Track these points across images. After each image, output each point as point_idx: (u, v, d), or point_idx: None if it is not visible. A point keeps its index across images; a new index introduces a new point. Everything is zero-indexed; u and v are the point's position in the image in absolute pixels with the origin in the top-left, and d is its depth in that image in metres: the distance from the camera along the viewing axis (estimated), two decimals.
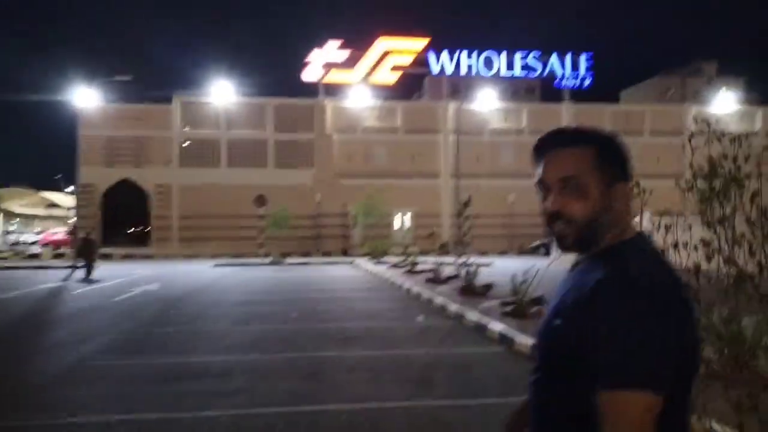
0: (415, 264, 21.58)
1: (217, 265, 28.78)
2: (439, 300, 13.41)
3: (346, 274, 23.62)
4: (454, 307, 12.22)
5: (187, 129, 39.45)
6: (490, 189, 39.20)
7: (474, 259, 21.18)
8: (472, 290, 14.16)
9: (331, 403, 6.18)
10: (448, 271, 18.69)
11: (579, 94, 42.20)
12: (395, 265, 24.50)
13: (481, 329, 10.12)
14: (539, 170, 1.50)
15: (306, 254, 37.11)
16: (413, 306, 13.68)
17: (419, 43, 40.17)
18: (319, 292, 16.73)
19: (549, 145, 1.50)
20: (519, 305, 10.79)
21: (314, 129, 40.07)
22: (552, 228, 1.48)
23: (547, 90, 48.71)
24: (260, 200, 30.40)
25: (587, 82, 41.07)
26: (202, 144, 39.28)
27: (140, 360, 8.18)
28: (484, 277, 17.97)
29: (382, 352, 8.59)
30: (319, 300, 14.90)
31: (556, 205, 1.45)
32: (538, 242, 37.56)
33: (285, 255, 33.07)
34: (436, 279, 17.63)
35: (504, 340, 9.01)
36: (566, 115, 41.77)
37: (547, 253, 36.12)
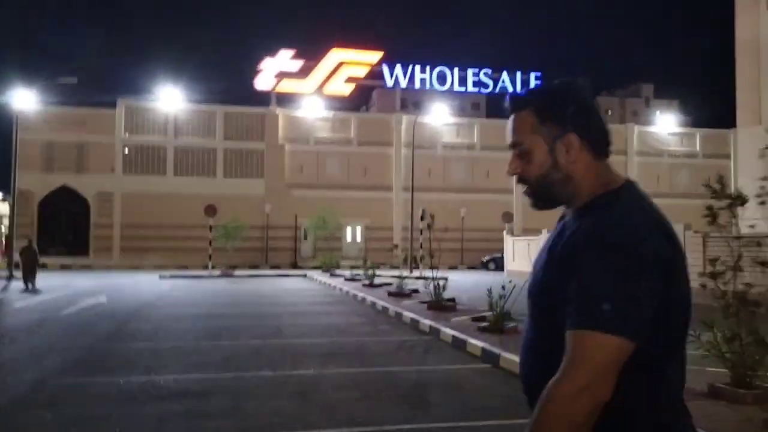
0: (374, 277, 21.23)
1: (163, 277, 27.74)
2: (407, 314, 13.14)
3: (302, 287, 23.10)
4: (426, 321, 11.96)
5: (127, 135, 38.10)
6: (441, 203, 39.30)
7: (430, 273, 21.14)
8: (440, 305, 13.93)
9: (329, 426, 5.79)
10: (409, 285, 18.54)
11: None
12: (352, 279, 24.11)
13: (460, 345, 9.89)
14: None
15: (254, 266, 36.30)
16: (381, 320, 13.36)
17: (374, 55, 40.13)
18: (280, 306, 16.21)
19: (510, 110, 1.58)
20: (496, 321, 10.63)
21: (265, 138, 39.40)
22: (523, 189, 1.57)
23: (493, 106, 49.27)
24: (211, 210, 29.52)
25: None
26: (147, 151, 38.04)
27: (108, 378, 7.57)
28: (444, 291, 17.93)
29: (365, 370, 8.24)
30: (283, 314, 14.41)
31: (510, 169, 1.55)
32: (487, 257, 37.83)
33: (233, 267, 32.23)
34: (399, 293, 17.36)
35: (488, 356, 8.79)
36: None
37: (497, 268, 36.45)
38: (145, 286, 22.91)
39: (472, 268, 38.30)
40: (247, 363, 8.60)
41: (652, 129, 46.78)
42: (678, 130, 46.90)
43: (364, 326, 12.44)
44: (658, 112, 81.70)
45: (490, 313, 13.36)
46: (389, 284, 20.73)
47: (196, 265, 35.47)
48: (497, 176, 42.19)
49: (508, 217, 32.39)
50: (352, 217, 39.42)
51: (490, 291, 11.10)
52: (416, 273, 27.69)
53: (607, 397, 1.28)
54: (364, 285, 21.03)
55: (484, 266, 37.42)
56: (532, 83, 41.50)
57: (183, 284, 23.91)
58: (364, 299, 17.21)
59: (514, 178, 1.56)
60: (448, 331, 10.71)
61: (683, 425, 1.44)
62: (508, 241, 30.94)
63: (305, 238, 39.80)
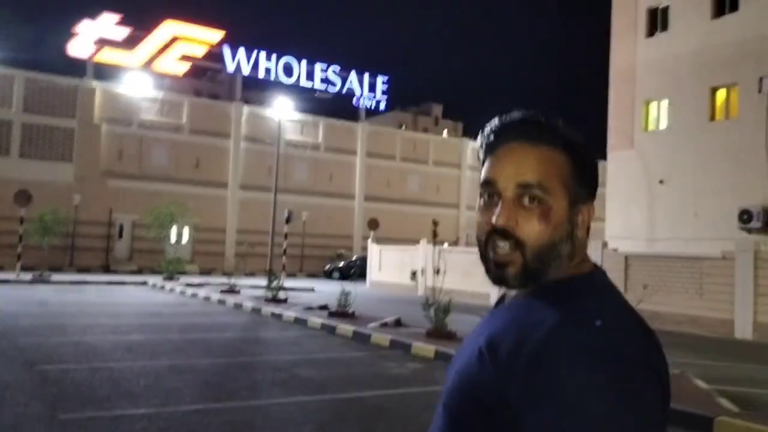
0: (279, 290, 17.67)
1: None
2: (421, 346, 10.43)
3: (180, 302, 18.63)
4: None
5: None
6: (280, 205, 35.99)
7: (285, 282, 18.46)
8: (440, 332, 11.39)
9: None
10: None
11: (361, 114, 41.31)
12: (230, 290, 20.17)
13: None
14: (489, 166, 1.09)
15: (55, 269, 29.54)
16: (389, 356, 10.44)
17: (214, 34, 35.61)
18: (200, 332, 12.32)
19: (509, 133, 1.09)
20: None
21: (77, 115, 32.67)
22: (491, 249, 1.06)
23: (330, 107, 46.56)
24: (23, 197, 23.10)
25: (383, 105, 40.61)
26: None
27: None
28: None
29: None
30: (227, 343, 10.78)
31: (506, 221, 1.04)
32: (330, 266, 35.50)
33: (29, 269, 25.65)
34: (342, 313, 14.31)
35: None
36: (362, 133, 40.73)
37: (343, 278, 34.26)
38: None
39: (312, 275, 35.64)
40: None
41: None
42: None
43: (381, 363, 9.48)
44: (445, 131, 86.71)
45: None
46: (278, 299, 17.54)
47: None
48: (341, 180, 40.16)
49: (373, 224, 30.39)
50: (180, 215, 34.34)
51: None
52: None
53: None
54: (266, 300, 17.44)
55: (327, 275, 34.99)
56: (379, 87, 40.18)
57: (2, 294, 17.94)
58: (303, 321, 13.89)
59: (486, 231, 1.08)
60: None
61: None
62: (374, 250, 28.95)
63: (120, 236, 33.83)
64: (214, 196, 36.21)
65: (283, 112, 36.16)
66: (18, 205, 23.16)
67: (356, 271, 31.70)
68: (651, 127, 24.99)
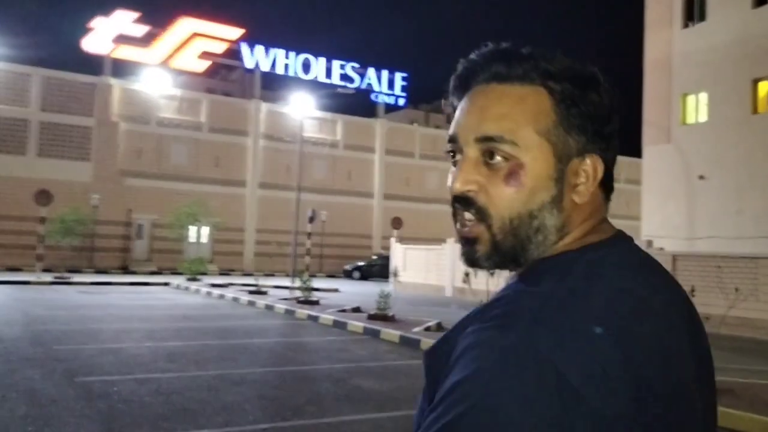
0: (309, 290, 17.00)
1: None
2: None
3: (207, 304, 17.95)
4: None
5: None
6: (300, 203, 35.38)
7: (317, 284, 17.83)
8: None
9: None
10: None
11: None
12: (258, 291, 19.53)
13: None
14: (454, 119, 0.85)
15: (74, 270, 29.01)
16: None
17: (233, 31, 35.01)
18: (243, 336, 11.68)
19: (478, 74, 0.84)
20: None
21: (95, 113, 32.14)
22: (456, 219, 0.83)
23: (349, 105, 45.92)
24: (44, 197, 22.55)
25: (402, 102, 39.89)
26: None
27: None
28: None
29: None
30: (278, 352, 10.13)
31: (462, 184, 0.81)
32: (350, 266, 34.83)
33: (47, 270, 25.13)
34: (382, 316, 13.62)
35: None
36: (380, 131, 40.03)
37: (363, 278, 33.60)
38: None
39: (331, 275, 34.98)
40: None
41: None
42: None
43: None
44: None
45: None
46: (310, 300, 16.88)
47: None
48: (360, 178, 39.50)
49: (397, 222, 29.66)
50: (200, 215, 33.80)
51: None
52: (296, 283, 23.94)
53: None
54: (298, 301, 16.78)
55: (347, 275, 34.33)
56: (398, 84, 39.42)
57: (25, 296, 17.36)
58: (343, 324, 13.22)
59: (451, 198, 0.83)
60: None
61: None
62: (398, 250, 28.24)
63: (139, 236, 33.29)
64: (232, 194, 35.63)
65: (302, 110, 35.58)
66: (39, 205, 22.60)
67: (382, 270, 31.24)
68: (689, 120, 24.13)
